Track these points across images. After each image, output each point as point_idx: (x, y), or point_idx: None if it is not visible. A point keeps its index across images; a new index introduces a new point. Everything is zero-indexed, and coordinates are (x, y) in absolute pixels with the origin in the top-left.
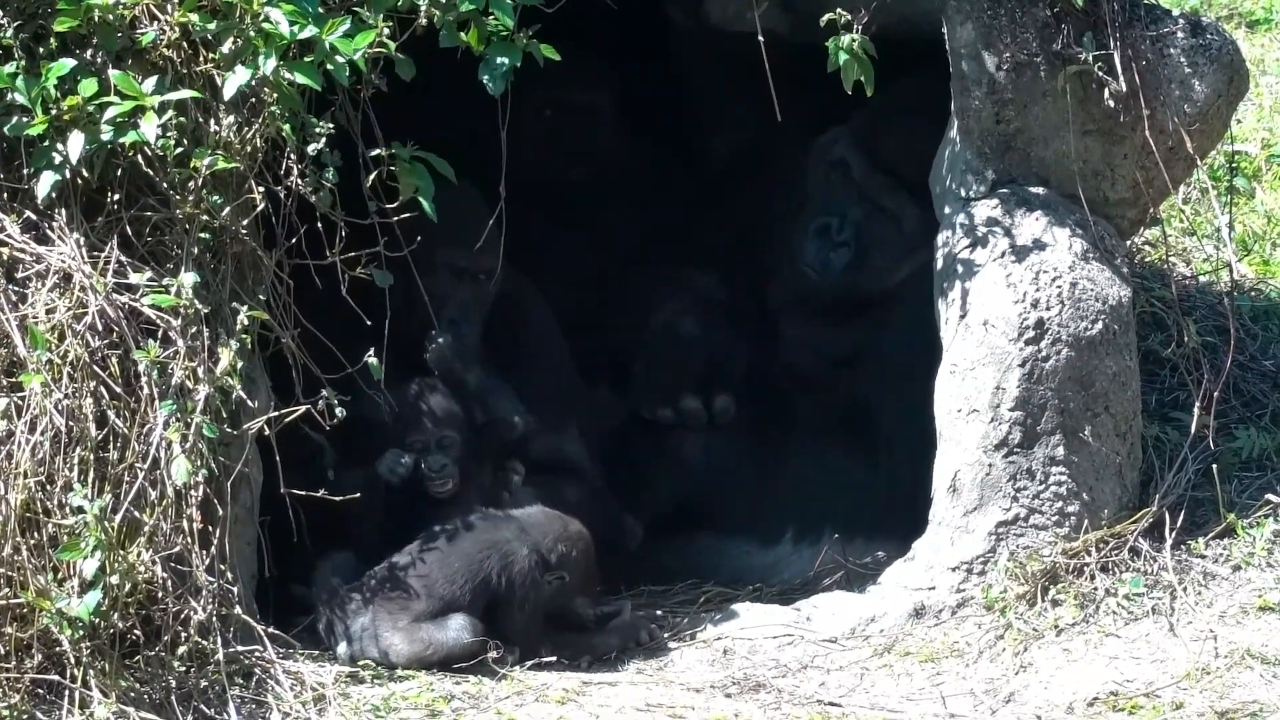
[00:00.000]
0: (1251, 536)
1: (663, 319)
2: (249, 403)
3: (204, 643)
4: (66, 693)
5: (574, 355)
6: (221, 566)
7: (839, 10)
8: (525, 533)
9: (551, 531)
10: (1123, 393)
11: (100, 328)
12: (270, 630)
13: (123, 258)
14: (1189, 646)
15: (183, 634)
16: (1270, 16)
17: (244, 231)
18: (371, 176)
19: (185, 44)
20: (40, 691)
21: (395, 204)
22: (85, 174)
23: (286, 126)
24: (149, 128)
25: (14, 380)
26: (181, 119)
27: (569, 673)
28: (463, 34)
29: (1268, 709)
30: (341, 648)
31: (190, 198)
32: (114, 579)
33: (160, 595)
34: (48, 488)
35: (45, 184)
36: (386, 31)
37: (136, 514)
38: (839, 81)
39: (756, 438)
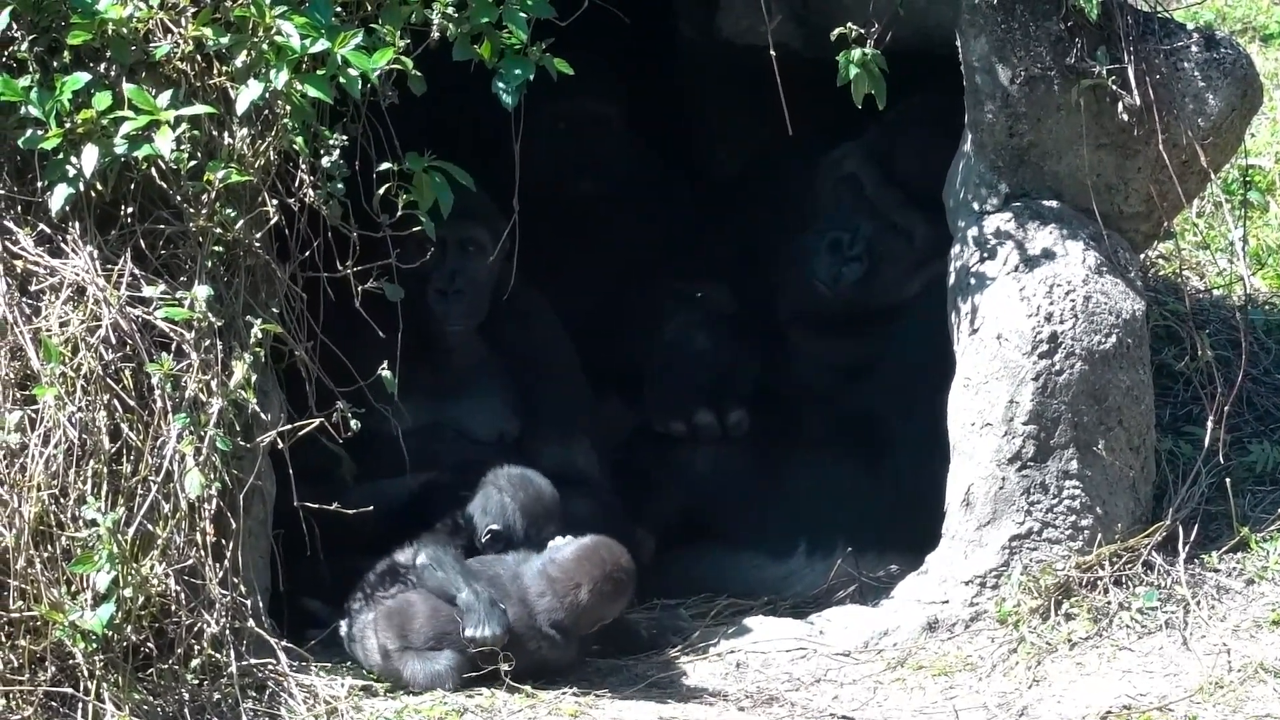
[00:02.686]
0: (1265, 550)
1: (673, 332)
2: (262, 416)
3: (217, 656)
4: (80, 705)
5: (584, 367)
6: (235, 579)
7: (850, 24)
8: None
9: (565, 609)
10: (1136, 406)
11: (114, 341)
12: (284, 643)
13: (136, 271)
14: (1202, 660)
15: (196, 647)
16: None
17: (257, 244)
18: (383, 189)
19: (199, 57)
20: (54, 704)
21: (399, 215)
22: (99, 187)
23: (299, 139)
24: (164, 142)
25: (28, 393)
26: (195, 132)
27: (581, 687)
28: (475, 47)
29: None
30: (344, 629)
31: (204, 211)
32: (127, 592)
33: (173, 608)
34: (61, 501)
35: (59, 197)
36: (402, 46)
37: (150, 527)
38: (852, 95)
39: (767, 450)
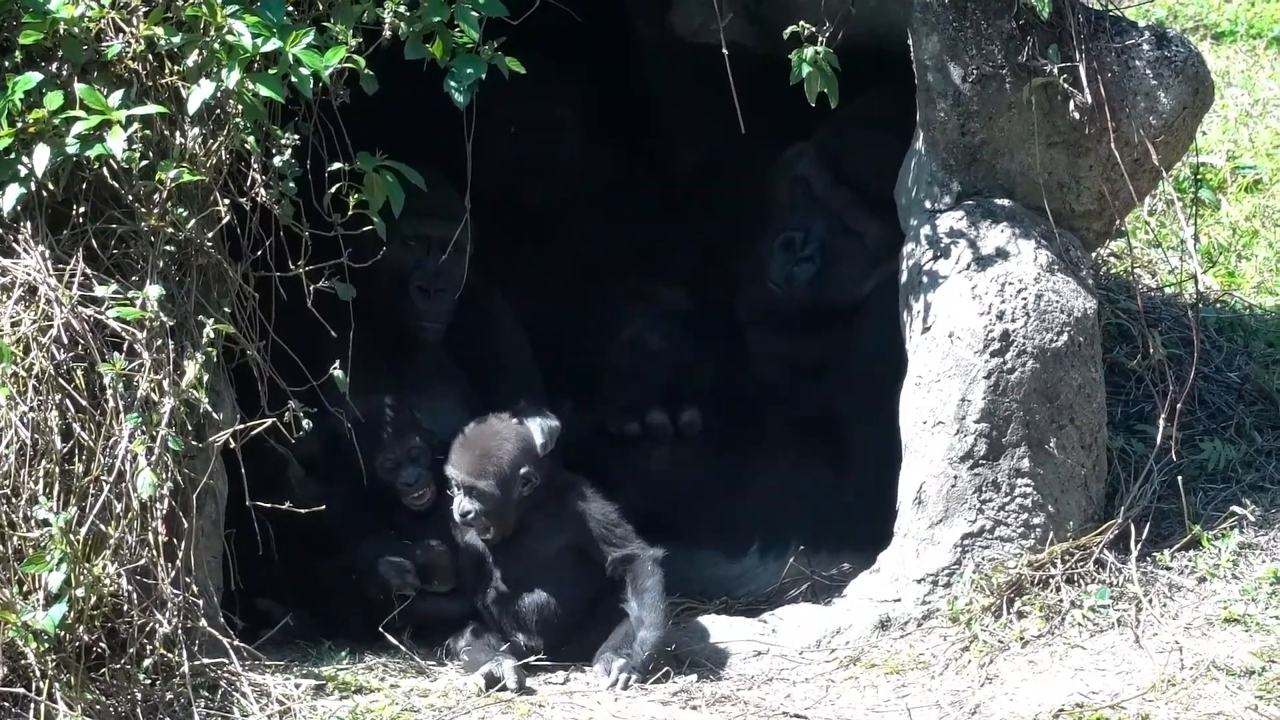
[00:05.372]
0: (1217, 548)
1: (630, 332)
2: (214, 415)
3: (169, 655)
4: (31, 706)
5: (541, 369)
6: (187, 579)
7: (802, 22)
8: None
9: None
10: (1088, 405)
11: (65, 340)
12: (236, 643)
13: (88, 270)
14: (1154, 658)
15: (148, 647)
16: (1235, 29)
17: (209, 244)
18: (334, 188)
19: (150, 56)
20: (5, 704)
21: (351, 214)
22: (50, 187)
23: (251, 139)
24: (115, 142)
25: None
26: (147, 132)
27: (533, 684)
28: (428, 46)
29: None
30: None
31: (156, 210)
32: (79, 592)
33: (126, 608)
34: (13, 501)
35: (10, 197)
36: (354, 45)
37: (102, 527)
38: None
39: (724, 450)
